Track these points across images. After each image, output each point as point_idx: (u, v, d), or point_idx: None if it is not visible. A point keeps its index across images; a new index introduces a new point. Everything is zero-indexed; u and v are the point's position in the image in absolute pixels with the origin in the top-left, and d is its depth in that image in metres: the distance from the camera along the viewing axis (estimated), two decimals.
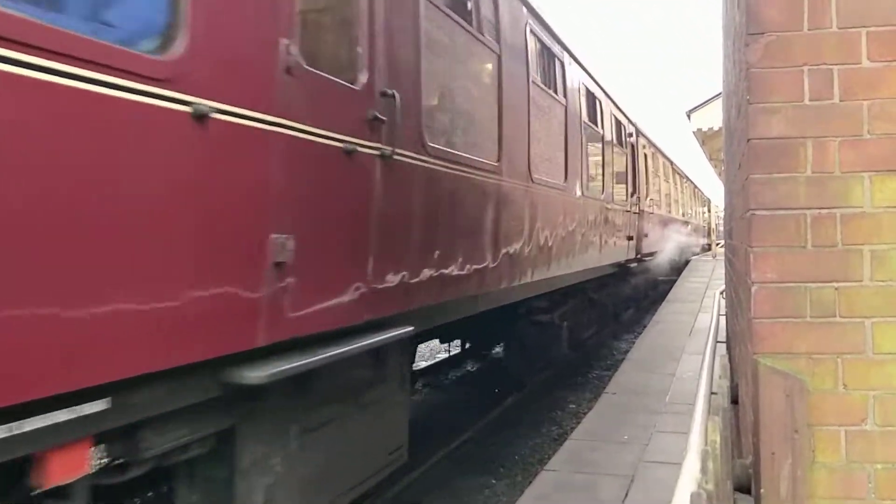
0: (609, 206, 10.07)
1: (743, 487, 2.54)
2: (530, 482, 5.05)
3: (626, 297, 14.04)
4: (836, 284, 2.30)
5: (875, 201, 2.28)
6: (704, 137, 13.99)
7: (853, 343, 2.30)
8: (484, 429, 7.18)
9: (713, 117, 11.58)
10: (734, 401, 3.52)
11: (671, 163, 20.74)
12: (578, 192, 8.18)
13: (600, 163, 9.89)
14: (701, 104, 12.31)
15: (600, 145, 9.97)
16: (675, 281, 18.24)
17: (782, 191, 2.32)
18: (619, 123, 11.65)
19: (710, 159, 19.23)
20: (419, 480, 5.75)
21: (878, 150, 2.28)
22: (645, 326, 12.10)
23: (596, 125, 9.60)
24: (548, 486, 4.76)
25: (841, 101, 2.31)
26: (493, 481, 6.07)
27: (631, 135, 12.65)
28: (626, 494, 4.59)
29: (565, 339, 8.75)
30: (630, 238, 11.77)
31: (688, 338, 9.91)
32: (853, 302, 2.30)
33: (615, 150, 11.07)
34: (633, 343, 10.75)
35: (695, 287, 15.89)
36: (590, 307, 10.38)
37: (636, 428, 5.95)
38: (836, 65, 2.31)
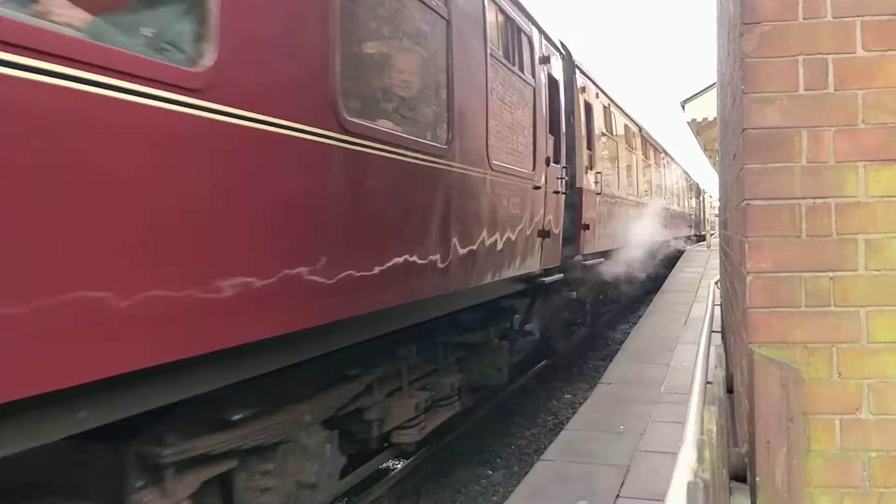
0: (485, 178, 5.34)
1: (738, 476, 2.55)
2: (527, 472, 5.07)
3: (557, 321, 9.11)
4: (830, 274, 2.31)
5: (869, 191, 2.29)
6: (699, 128, 13.98)
7: (848, 332, 2.31)
8: (480, 420, 7.19)
9: (708, 107, 11.56)
10: (729, 390, 3.53)
11: (640, 129, 14.98)
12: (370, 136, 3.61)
13: (444, 84, 4.69)
14: (695, 94, 12.30)
15: (442, 46, 4.67)
16: (657, 285, 15.46)
17: (777, 181, 2.32)
18: (516, 32, 6.48)
19: (705, 150, 19.24)
20: (415, 471, 5.76)
21: (872, 139, 2.29)
22: (640, 317, 12.13)
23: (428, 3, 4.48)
24: (544, 477, 4.78)
25: (836, 90, 2.31)
26: (490, 472, 6.09)
27: (546, 60, 7.51)
28: (622, 484, 4.61)
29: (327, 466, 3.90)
30: (544, 234, 6.99)
31: (683, 328, 9.94)
32: (848, 291, 2.31)
33: (504, 75, 5.97)
34: (629, 333, 10.78)
35: (689, 277, 15.92)
36: (457, 365, 6.00)
37: (632, 418, 5.97)
38: (831, 54, 2.31)
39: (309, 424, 3.69)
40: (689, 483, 1.39)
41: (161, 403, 2.54)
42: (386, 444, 5.05)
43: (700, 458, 1.69)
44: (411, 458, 5.79)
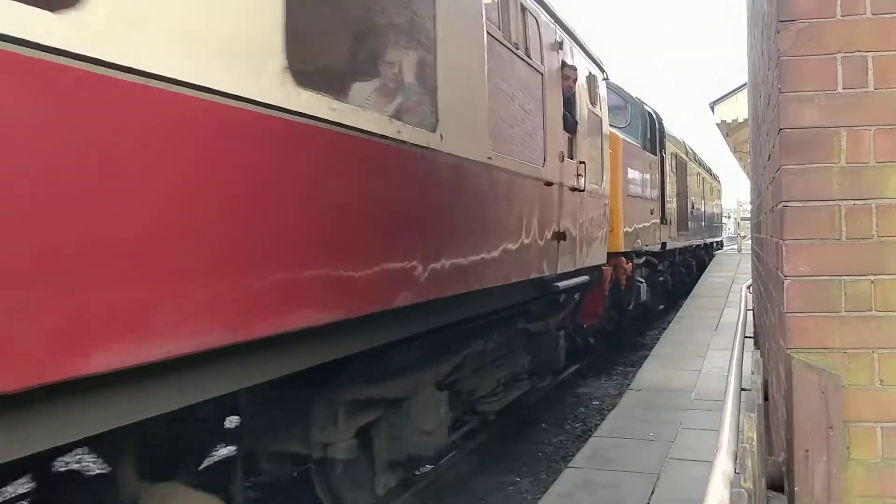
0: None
1: (775, 485, 2.49)
2: (554, 480, 5.01)
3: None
4: (871, 277, 2.25)
5: None
6: (729, 129, 13.79)
7: (890, 337, 2.24)
8: (507, 426, 7.14)
9: (738, 108, 11.39)
10: (763, 397, 3.46)
11: None
12: None
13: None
14: (725, 95, 12.12)
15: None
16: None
17: (815, 182, 2.26)
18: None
19: (735, 151, 18.99)
20: (441, 478, 5.73)
21: None
22: (670, 322, 11.98)
23: None
24: (572, 484, 4.72)
25: (875, 88, 2.25)
26: (517, 479, 6.04)
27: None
28: (652, 492, 4.54)
29: None
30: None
31: (714, 333, 9.80)
32: (889, 295, 2.24)
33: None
34: (658, 338, 10.65)
35: (719, 282, 15.71)
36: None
37: (661, 425, 5.89)
38: (871, 52, 2.25)
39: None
40: (733, 493, 1.35)
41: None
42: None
43: (742, 467, 1.65)
44: (438, 464, 5.76)
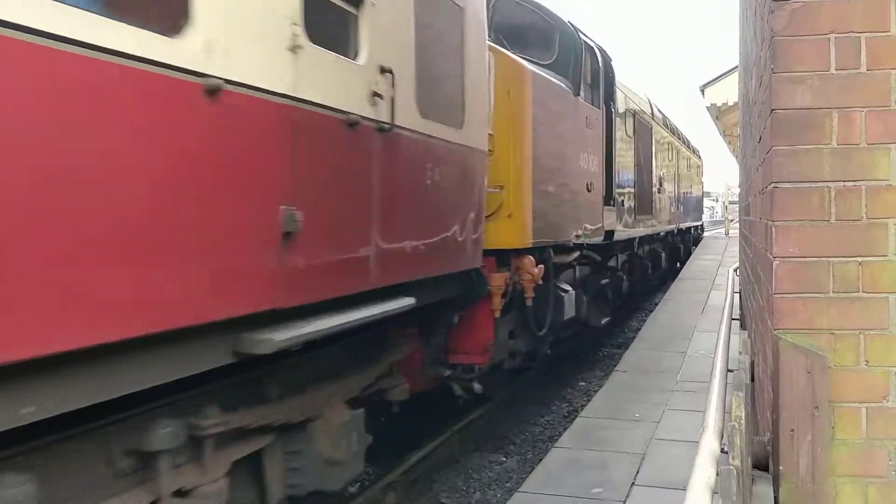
0: None
1: (760, 465, 2.51)
2: (541, 459, 5.05)
3: None
4: (859, 259, 2.26)
5: None
6: (719, 113, 13.77)
7: (876, 319, 2.26)
8: (494, 406, 7.18)
9: (729, 91, 11.38)
10: (750, 378, 3.48)
11: None
12: None
13: None
14: (715, 78, 12.09)
15: None
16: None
17: (806, 163, 2.26)
18: None
19: (725, 135, 19.01)
20: (429, 457, 5.76)
21: None
22: (656, 304, 12.04)
23: None
24: (558, 463, 4.75)
25: (868, 70, 2.24)
26: (504, 458, 6.08)
27: None
28: (638, 472, 4.58)
29: None
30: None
31: (700, 316, 9.85)
32: (877, 277, 2.25)
33: None
34: (644, 321, 10.71)
35: (706, 265, 15.79)
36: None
37: (647, 406, 5.93)
38: (864, 33, 2.24)
39: None
40: (721, 470, 1.36)
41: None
42: None
43: (730, 445, 1.66)
44: (426, 445, 5.79)
